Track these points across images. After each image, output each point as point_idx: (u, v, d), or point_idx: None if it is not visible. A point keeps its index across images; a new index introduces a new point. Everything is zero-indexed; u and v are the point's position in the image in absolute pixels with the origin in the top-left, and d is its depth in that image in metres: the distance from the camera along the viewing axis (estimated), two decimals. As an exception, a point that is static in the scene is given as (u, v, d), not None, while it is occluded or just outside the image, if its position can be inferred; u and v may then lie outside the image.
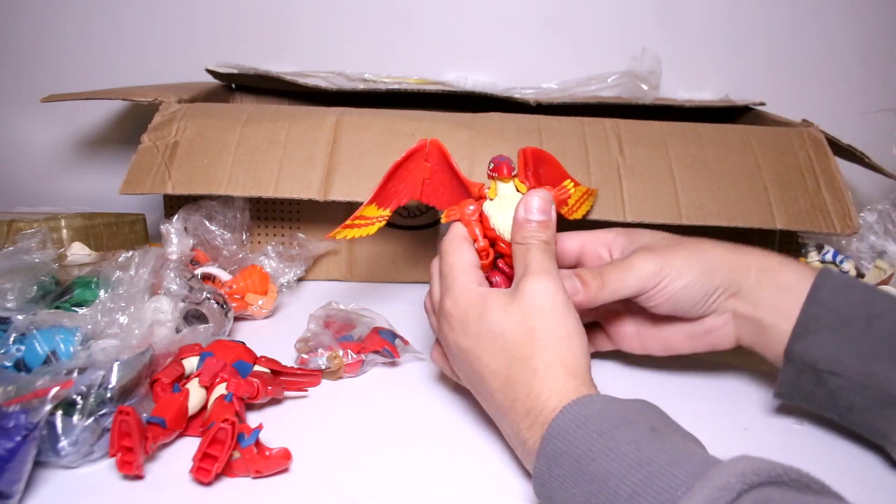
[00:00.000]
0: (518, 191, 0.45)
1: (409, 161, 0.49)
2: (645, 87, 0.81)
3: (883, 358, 0.40)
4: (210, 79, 0.85)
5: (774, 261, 0.44)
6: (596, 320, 0.52)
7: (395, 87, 0.79)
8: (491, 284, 0.47)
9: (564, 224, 0.51)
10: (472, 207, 0.45)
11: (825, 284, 0.42)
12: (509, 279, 0.46)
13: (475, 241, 0.45)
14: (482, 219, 0.45)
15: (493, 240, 0.45)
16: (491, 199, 0.45)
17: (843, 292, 0.42)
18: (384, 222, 0.50)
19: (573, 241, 0.49)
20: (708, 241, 0.46)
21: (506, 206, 0.45)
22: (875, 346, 0.40)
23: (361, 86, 0.81)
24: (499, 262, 0.47)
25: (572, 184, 0.47)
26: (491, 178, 0.46)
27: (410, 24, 0.88)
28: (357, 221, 0.49)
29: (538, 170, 0.50)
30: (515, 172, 0.46)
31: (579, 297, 0.44)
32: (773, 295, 0.43)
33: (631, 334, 0.50)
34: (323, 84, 0.80)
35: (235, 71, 0.81)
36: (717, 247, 0.45)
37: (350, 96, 0.81)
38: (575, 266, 0.50)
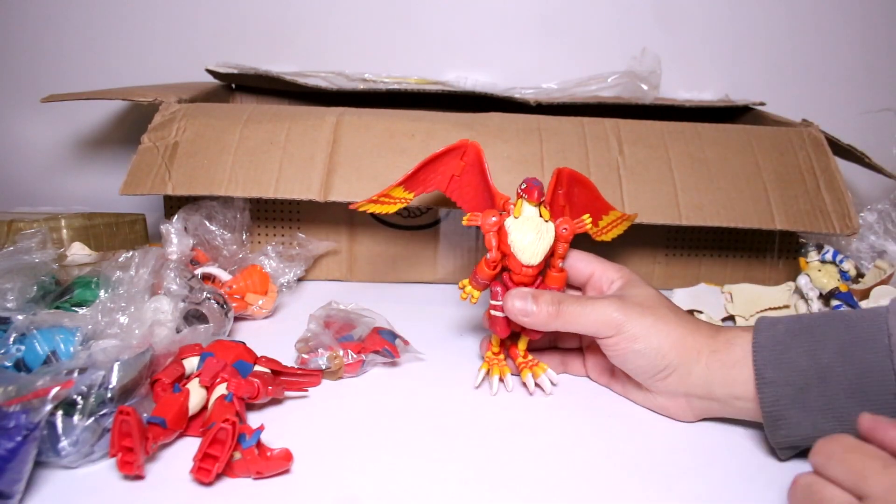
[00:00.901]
0: (541, 216, 0.47)
1: (445, 155, 0.51)
2: (645, 87, 0.81)
3: (852, 408, 0.39)
4: (210, 79, 0.85)
5: (721, 340, 0.44)
6: (578, 346, 0.53)
7: (395, 87, 0.79)
8: (491, 294, 0.48)
9: (587, 241, 0.52)
10: (493, 219, 0.47)
11: (766, 361, 0.41)
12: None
13: (489, 250, 0.47)
14: (500, 232, 0.47)
15: (504, 254, 0.47)
16: (515, 218, 0.47)
17: (784, 357, 0.41)
18: (405, 204, 0.52)
19: (587, 265, 0.50)
20: (676, 314, 0.46)
21: (526, 228, 0.46)
22: (841, 401, 0.39)
23: (361, 86, 0.81)
24: (503, 275, 0.48)
25: (589, 217, 0.50)
26: (519, 197, 0.47)
27: (410, 24, 0.88)
28: (382, 199, 0.52)
29: (571, 190, 0.51)
30: (544, 199, 0.47)
31: (526, 320, 0.46)
32: (725, 374, 0.43)
33: (601, 369, 0.51)
34: (323, 84, 0.80)
35: (235, 71, 0.81)
36: (680, 325, 0.45)
37: (350, 96, 0.81)
38: (580, 288, 0.51)
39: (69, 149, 0.92)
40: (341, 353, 0.50)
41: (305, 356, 0.51)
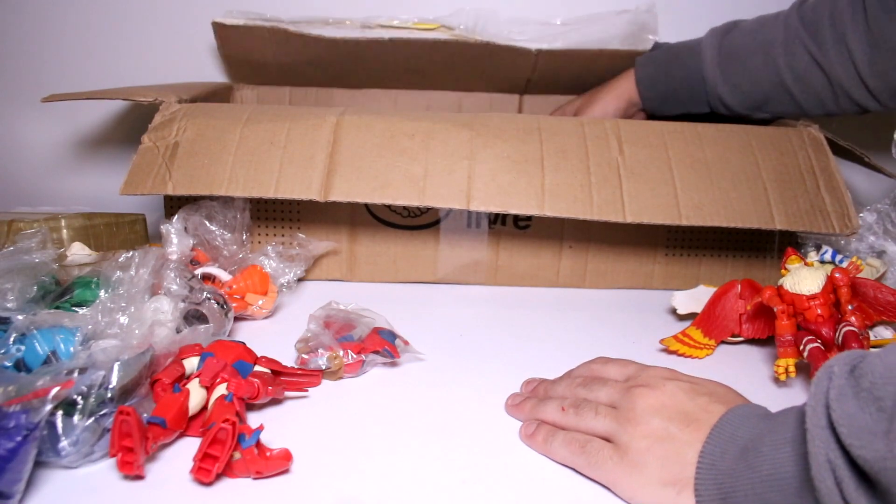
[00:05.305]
0: (805, 264, 0.54)
1: (722, 299, 0.58)
2: (651, 38, 0.81)
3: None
4: (210, 78, 0.85)
5: None
6: None
7: (396, 35, 0.77)
8: (805, 351, 0.50)
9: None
10: (769, 293, 0.53)
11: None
12: (822, 343, 0.49)
13: (777, 306, 0.52)
14: (781, 291, 0.53)
15: (790, 303, 0.52)
16: (783, 276, 0.54)
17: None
18: (711, 350, 0.57)
19: None
20: None
21: (792, 270, 0.53)
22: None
23: (358, 33, 0.78)
24: (802, 333, 0.51)
25: (860, 260, 0.54)
26: (784, 266, 0.55)
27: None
28: (685, 339, 0.57)
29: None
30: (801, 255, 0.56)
31: None
32: None
33: None
34: (327, 34, 0.77)
35: (242, 22, 0.77)
36: None
37: (354, 73, 0.80)
38: None
39: (69, 149, 0.92)
40: (341, 353, 0.50)
41: (305, 356, 0.51)
